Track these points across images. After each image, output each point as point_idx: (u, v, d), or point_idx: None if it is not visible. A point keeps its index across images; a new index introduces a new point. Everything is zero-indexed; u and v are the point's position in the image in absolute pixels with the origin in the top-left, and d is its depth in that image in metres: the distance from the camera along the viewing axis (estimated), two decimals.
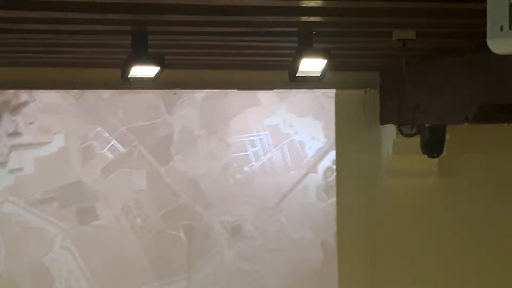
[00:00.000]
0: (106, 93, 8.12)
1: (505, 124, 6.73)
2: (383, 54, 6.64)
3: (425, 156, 7.39)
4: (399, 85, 7.34)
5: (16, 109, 8.16)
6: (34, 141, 8.38)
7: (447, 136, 7.33)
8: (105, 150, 8.54)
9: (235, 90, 7.80)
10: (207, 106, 8.52)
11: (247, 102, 8.53)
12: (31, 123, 8.29)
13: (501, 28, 1.21)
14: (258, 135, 8.71)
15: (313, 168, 8.77)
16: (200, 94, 8.34)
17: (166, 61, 5.62)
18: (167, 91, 7.56)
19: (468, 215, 7.97)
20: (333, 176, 8.32)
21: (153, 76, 5.70)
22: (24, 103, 8.17)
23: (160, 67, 5.58)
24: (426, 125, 7.26)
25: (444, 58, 6.48)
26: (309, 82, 5.97)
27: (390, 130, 7.61)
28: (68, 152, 8.48)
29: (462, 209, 7.97)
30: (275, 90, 7.91)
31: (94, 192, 8.54)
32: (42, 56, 6.45)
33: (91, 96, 8.07)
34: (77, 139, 8.47)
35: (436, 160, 7.55)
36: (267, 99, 8.49)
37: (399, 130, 7.51)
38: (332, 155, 8.38)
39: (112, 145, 8.53)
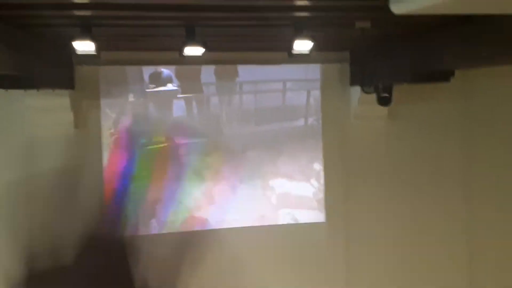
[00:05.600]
0: None
1: (431, 84, 6.69)
2: (351, 39, 6.57)
3: (379, 106, 7.33)
4: (362, 59, 7.34)
5: None
6: None
7: (394, 93, 7.29)
8: None
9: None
10: None
11: None
12: None
13: None
14: None
15: None
16: None
17: (208, 45, 5.67)
18: None
19: (406, 143, 7.95)
20: None
21: (200, 54, 5.75)
22: None
23: (204, 49, 5.63)
24: (380, 85, 7.25)
25: (391, 40, 6.42)
26: (301, 58, 5.95)
27: (356, 89, 7.53)
28: None
29: (403, 139, 7.95)
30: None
31: None
32: (129, 43, 6.50)
33: None
34: None
35: (386, 108, 7.50)
36: None
37: (362, 89, 7.46)
38: None
39: None
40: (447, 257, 8.04)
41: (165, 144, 7.42)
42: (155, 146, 7.39)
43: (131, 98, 7.28)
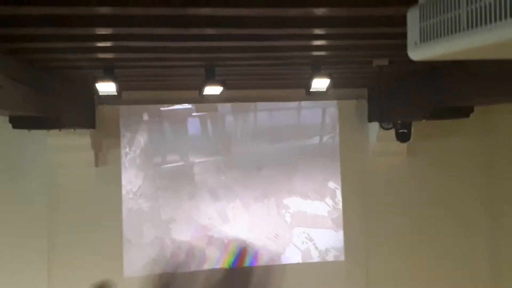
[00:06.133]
0: None
1: (450, 120, 6.68)
2: (368, 76, 6.62)
3: (398, 142, 7.33)
4: (379, 96, 7.38)
5: None
6: None
7: (413, 129, 7.30)
8: None
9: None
10: None
11: None
12: None
13: (415, 43, 1.27)
14: None
15: None
16: None
17: (226, 84, 5.76)
18: None
19: (426, 180, 7.90)
20: None
21: (219, 94, 5.84)
22: None
23: (223, 88, 5.73)
24: (398, 121, 7.26)
25: (408, 77, 6.46)
26: (319, 95, 6.01)
27: (374, 125, 7.56)
28: None
29: (423, 176, 7.89)
30: None
31: None
32: (150, 83, 6.63)
33: None
34: None
35: (405, 144, 7.49)
36: None
37: (381, 125, 7.47)
38: None
39: None
40: None
41: (180, 163, 7.44)
42: (170, 165, 7.41)
43: (145, 117, 7.32)
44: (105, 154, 7.19)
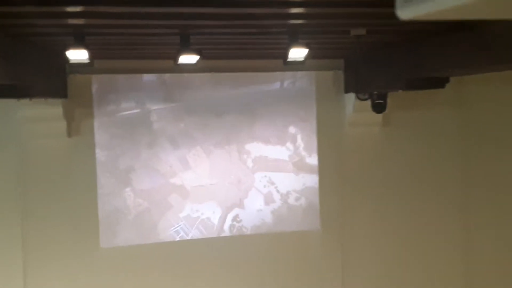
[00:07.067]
0: None
1: (425, 90, 6.68)
2: (345, 47, 6.54)
3: (374, 113, 7.33)
4: (356, 67, 7.31)
5: None
6: None
7: (388, 99, 7.28)
8: None
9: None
10: None
11: None
12: None
13: (405, 0, 1.19)
14: None
15: None
16: None
17: (202, 53, 5.62)
18: None
19: (401, 150, 7.93)
20: None
21: (194, 62, 5.70)
22: None
23: (200, 57, 5.59)
24: (374, 92, 7.24)
25: (385, 47, 6.40)
26: (296, 65, 5.93)
27: (351, 96, 7.52)
28: None
29: (398, 146, 7.92)
30: None
31: None
32: (123, 51, 6.44)
33: None
34: None
35: (381, 115, 7.48)
36: None
37: (357, 96, 7.46)
38: None
39: None
40: (443, 261, 8.01)
41: (136, 111, 7.17)
42: (125, 112, 7.14)
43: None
44: (78, 124, 7.00)
